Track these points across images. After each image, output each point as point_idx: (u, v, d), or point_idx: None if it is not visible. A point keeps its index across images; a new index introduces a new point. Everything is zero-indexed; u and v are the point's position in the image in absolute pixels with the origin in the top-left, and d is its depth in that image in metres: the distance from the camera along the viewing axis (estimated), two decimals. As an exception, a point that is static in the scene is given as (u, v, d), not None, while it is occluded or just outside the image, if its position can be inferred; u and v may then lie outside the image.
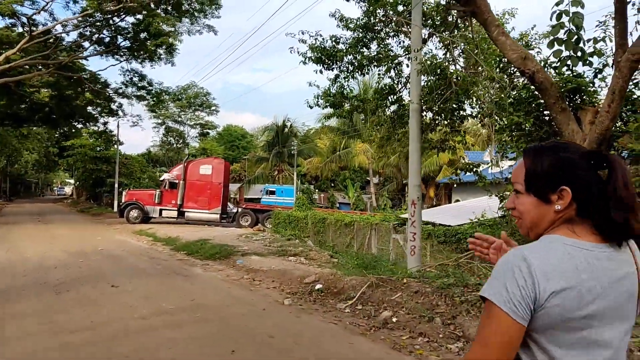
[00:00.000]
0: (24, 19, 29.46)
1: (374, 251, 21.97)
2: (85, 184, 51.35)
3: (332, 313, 8.43)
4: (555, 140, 1.60)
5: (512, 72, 8.78)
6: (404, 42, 11.60)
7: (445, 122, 10.48)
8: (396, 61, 11.46)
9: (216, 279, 11.84)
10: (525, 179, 1.51)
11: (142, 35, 33.62)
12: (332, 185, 53.77)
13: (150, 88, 36.88)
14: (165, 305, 8.75)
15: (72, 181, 77.04)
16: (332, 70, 11.84)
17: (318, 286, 10.05)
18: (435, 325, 7.25)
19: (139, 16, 32.10)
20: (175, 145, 68.40)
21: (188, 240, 18.75)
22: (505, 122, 8.27)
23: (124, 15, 32.46)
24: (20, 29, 31.00)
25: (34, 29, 29.88)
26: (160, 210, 30.54)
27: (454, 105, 9.89)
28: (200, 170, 31.33)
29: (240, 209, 32.90)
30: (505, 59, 8.41)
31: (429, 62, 9.86)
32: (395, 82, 11.88)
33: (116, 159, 42.96)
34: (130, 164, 46.76)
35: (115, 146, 46.49)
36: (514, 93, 8.58)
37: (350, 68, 11.62)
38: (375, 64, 11.91)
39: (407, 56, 11.14)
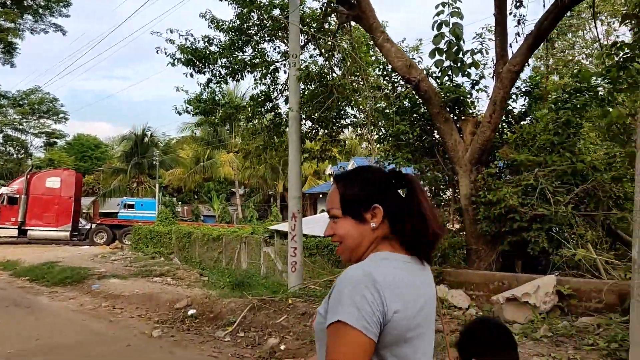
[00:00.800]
0: None
1: (244, 266, 21.02)
2: None
3: (210, 343, 7.42)
4: (362, 165, 1.66)
5: (395, 80, 8.56)
6: (279, 47, 10.98)
7: (325, 131, 10.03)
8: (272, 67, 10.79)
9: (67, 310, 10.12)
10: (340, 203, 1.52)
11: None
12: (196, 197, 51.55)
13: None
14: (1, 350, 7.06)
15: None
16: (204, 74, 10.82)
17: (191, 312, 8.96)
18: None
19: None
20: (15, 155, 61.11)
21: (31, 263, 16.23)
22: (390, 131, 7.98)
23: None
24: None
25: None
26: (-3, 228, 26.60)
27: (334, 114, 9.48)
28: (46, 183, 27.90)
29: (94, 225, 29.88)
30: (390, 67, 8.16)
31: (308, 69, 9.33)
32: (271, 88, 11.19)
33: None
34: (-41, 176, 40.51)
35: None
36: (396, 102, 8.35)
37: (224, 72, 10.70)
38: (249, 69, 11.13)
39: (285, 62, 10.53)
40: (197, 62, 10.41)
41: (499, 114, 7.11)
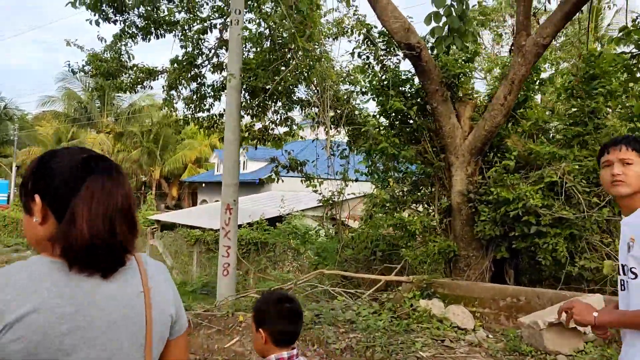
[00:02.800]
0: None
1: (125, 260, 18.12)
2: None
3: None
4: (56, 149, 1.29)
5: (383, 47, 6.92)
6: (209, 1, 8.74)
7: (275, 107, 8.07)
8: (205, 24, 8.56)
9: None
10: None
11: None
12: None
13: None
14: None
15: None
16: (115, 23, 8.26)
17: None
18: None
19: None
20: None
21: None
22: (386, 107, 6.33)
23: None
24: None
25: None
26: None
27: (291, 87, 7.58)
28: None
29: None
30: (384, 29, 6.50)
31: (259, 27, 7.36)
32: (195, 52, 8.95)
33: None
34: None
35: None
36: (386, 74, 6.72)
37: (141, 25, 8.25)
38: (168, 27, 8.80)
39: (226, 19, 8.39)
40: (109, 5, 7.88)
41: (514, 95, 5.84)
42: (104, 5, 7.97)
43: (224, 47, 9.36)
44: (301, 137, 9.97)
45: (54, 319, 1.06)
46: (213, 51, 9.02)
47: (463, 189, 6.26)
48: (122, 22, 8.35)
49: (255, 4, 8.43)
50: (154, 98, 38.60)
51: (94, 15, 8.20)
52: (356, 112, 7.51)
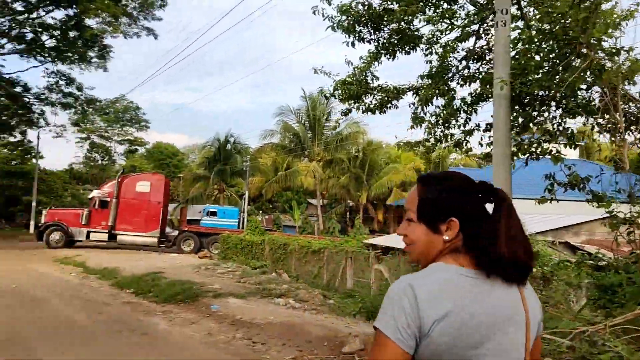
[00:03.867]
0: None
1: (349, 283, 18.32)
2: (-5, 202, 43.74)
3: None
4: (448, 170, 1.55)
5: None
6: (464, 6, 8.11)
7: (554, 114, 7.07)
8: (459, 33, 8.02)
9: (195, 341, 7.62)
10: (417, 207, 1.43)
11: (72, 33, 28.43)
12: (271, 206, 49.56)
13: (78, 94, 31.31)
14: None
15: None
16: (369, 42, 8.21)
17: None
18: None
19: (70, 11, 26.97)
20: (100, 162, 61.78)
21: (131, 272, 14.13)
22: None
23: (51, 8, 27.21)
24: None
25: None
26: (88, 232, 25.22)
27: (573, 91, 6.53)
28: (136, 187, 26.39)
29: (181, 232, 28.08)
30: None
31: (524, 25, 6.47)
32: (445, 63, 8.40)
33: (34, 175, 36.51)
34: (50, 180, 40.24)
35: (34, 160, 39.85)
36: None
37: (395, 40, 8.04)
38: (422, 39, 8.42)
39: (491, 22, 7.73)
40: (366, 25, 7.82)
41: None
42: (360, 25, 7.94)
43: (473, 58, 8.68)
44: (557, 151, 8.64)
45: (466, 316, 1.25)
46: (465, 62, 8.40)
47: None
48: (376, 40, 8.24)
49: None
50: (358, 125, 39.87)
51: (349, 37, 8.23)
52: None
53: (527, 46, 6.72)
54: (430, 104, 8.29)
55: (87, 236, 25.20)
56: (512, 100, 7.20)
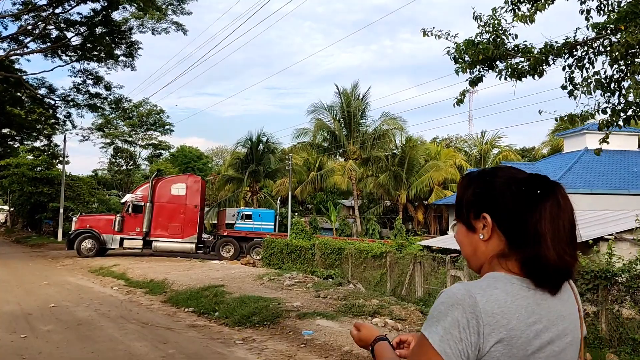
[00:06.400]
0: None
1: (419, 292, 16.17)
2: (22, 209, 42.37)
3: None
4: (498, 165, 1.42)
5: None
6: None
7: None
8: None
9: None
10: (456, 206, 1.35)
11: (98, 29, 26.74)
12: (301, 208, 47.48)
13: (106, 93, 29.59)
14: None
15: (6, 207, 65.66)
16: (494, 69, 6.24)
17: None
18: None
19: (97, 5, 25.26)
20: (125, 167, 60.46)
21: (184, 285, 12.15)
22: None
23: (75, 4, 25.52)
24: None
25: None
26: (121, 239, 23.40)
27: None
28: (171, 190, 24.51)
29: (220, 237, 26.19)
30: None
31: None
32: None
33: (61, 180, 34.98)
34: (76, 185, 38.69)
35: (60, 165, 38.39)
36: None
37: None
38: None
39: None
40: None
41: None
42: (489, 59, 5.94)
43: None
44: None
45: (523, 326, 1.13)
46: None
47: None
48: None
49: None
50: (396, 121, 37.65)
51: (472, 72, 6.30)
52: None
53: None
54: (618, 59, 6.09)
55: (120, 243, 23.41)
56: None
